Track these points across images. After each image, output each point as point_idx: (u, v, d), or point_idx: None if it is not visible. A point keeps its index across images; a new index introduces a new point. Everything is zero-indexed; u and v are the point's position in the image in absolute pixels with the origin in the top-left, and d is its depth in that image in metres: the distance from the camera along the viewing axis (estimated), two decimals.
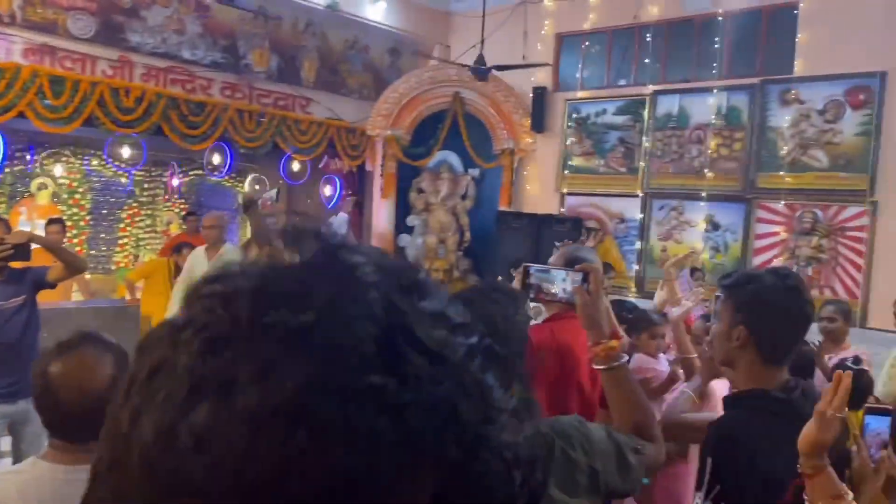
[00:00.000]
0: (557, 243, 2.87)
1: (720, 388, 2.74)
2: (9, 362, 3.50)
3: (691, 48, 7.08)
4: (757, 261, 6.50)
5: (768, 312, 1.65)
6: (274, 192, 3.55)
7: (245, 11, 7.54)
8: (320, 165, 8.78)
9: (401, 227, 8.36)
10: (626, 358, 1.59)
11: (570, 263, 2.66)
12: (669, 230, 7.13)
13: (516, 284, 1.74)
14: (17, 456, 3.63)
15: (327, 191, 9.02)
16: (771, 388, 1.63)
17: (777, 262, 6.34)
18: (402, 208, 8.34)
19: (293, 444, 0.31)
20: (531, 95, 7.90)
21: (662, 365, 3.09)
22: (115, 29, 6.73)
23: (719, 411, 2.67)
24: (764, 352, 1.65)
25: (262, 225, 3.05)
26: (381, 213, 8.36)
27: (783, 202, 6.39)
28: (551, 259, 2.72)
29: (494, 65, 6.77)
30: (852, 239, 6.02)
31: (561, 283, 1.68)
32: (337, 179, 8.94)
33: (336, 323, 0.34)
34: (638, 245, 7.26)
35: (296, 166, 8.45)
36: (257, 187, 9.68)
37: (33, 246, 3.70)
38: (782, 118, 6.42)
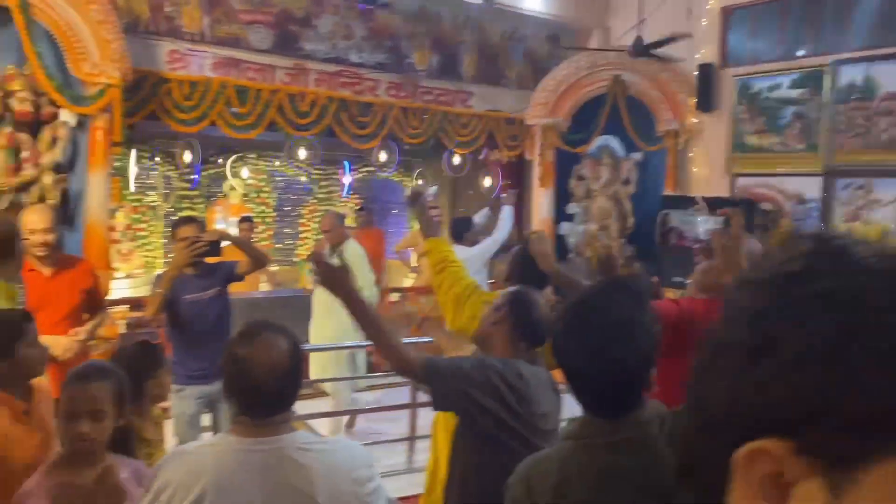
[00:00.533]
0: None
1: None
2: (206, 347, 3.92)
3: (875, 11, 6.45)
4: None
5: None
6: (434, 188, 3.74)
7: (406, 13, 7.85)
8: (480, 157, 8.96)
9: (561, 215, 8.34)
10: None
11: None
12: (856, 210, 6.57)
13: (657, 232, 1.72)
14: (217, 430, 4.08)
15: (487, 182, 9.19)
16: None
17: None
18: (562, 196, 8.31)
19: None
20: (696, 73, 7.57)
21: None
22: (291, 38, 7.26)
23: None
24: None
25: (426, 217, 3.20)
26: (541, 202, 8.38)
27: None
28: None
29: (647, 43, 6.56)
30: None
31: (703, 226, 1.64)
32: (497, 169, 9.07)
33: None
34: (820, 227, 6.76)
35: (456, 159, 8.68)
36: (422, 182, 10.05)
37: (224, 243, 4.13)
38: None
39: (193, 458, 1.60)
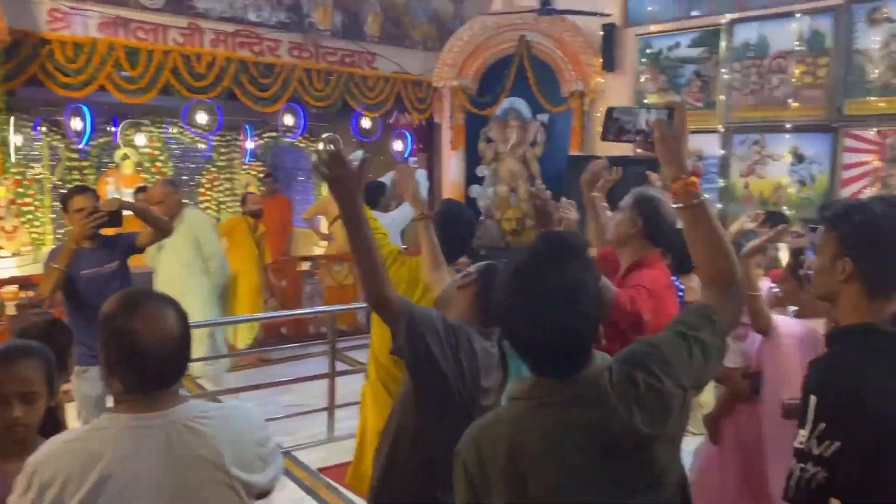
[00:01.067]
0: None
1: (782, 323, 2.66)
2: None
3: None
4: (845, 192, 6.20)
5: (878, 243, 1.56)
6: (359, 153, 3.57)
7: None
8: (390, 121, 8.81)
9: (471, 177, 8.34)
10: (707, 196, 1.54)
11: (640, 202, 2.62)
12: (752, 165, 6.86)
13: (599, 130, 1.67)
14: None
15: (398, 146, 9.06)
16: (878, 322, 1.55)
17: (868, 193, 6.03)
18: (472, 159, 8.30)
19: None
20: (600, 33, 7.66)
21: None
22: None
23: (782, 349, 2.60)
24: (871, 285, 1.57)
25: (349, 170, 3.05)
26: (452, 165, 8.35)
27: (873, 129, 6.04)
28: (622, 203, 2.68)
29: (559, 8, 6.59)
30: None
31: (644, 118, 1.61)
32: (408, 134, 8.96)
33: None
34: (720, 182, 7.03)
35: (366, 123, 8.51)
36: (330, 147, 9.79)
37: (124, 213, 3.88)
38: (871, 39, 6.02)
39: (80, 444, 1.46)
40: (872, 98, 6.03)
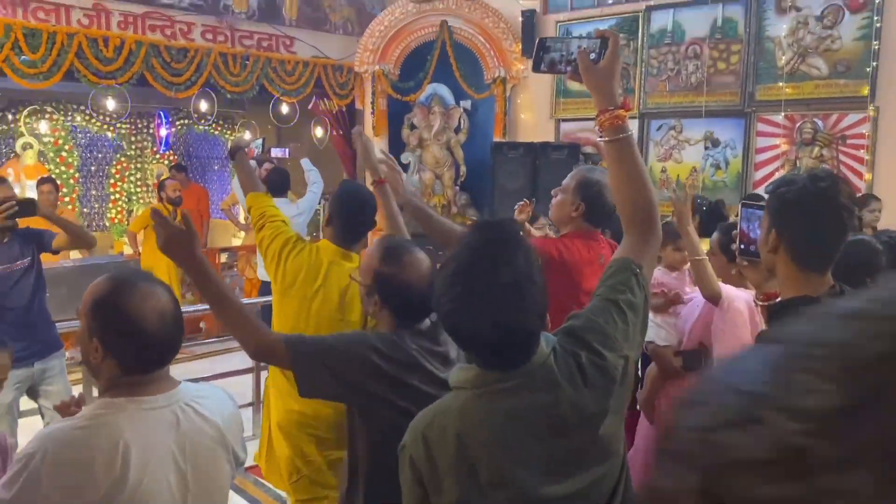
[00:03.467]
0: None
1: (734, 295, 2.72)
2: (20, 326, 3.45)
3: None
4: (758, 175, 6.44)
5: (794, 213, 1.61)
6: (260, 141, 3.49)
7: None
8: (309, 107, 8.62)
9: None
10: (632, 132, 1.53)
11: (583, 187, 2.61)
12: (668, 150, 7.04)
13: (532, 64, 1.61)
14: (44, 415, 3.64)
15: (318, 132, 8.88)
16: (814, 296, 1.58)
17: (778, 175, 6.28)
18: (396, 145, 8.21)
19: None
20: (521, 20, 7.69)
21: (677, 280, 3.07)
22: None
23: (736, 320, 2.66)
24: (795, 255, 1.62)
25: (246, 171, 2.97)
26: (375, 152, 8.22)
27: (783, 114, 6.29)
28: (564, 182, 2.67)
29: None
30: (853, 147, 5.95)
31: (576, 45, 1.58)
32: (327, 119, 8.78)
33: None
34: None
35: (284, 109, 8.29)
36: (247, 136, 9.51)
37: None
38: (779, 27, 6.25)
39: (94, 428, 1.43)
40: (781, 84, 6.27)
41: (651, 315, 2.90)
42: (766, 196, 1.75)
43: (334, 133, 8.79)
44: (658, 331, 2.96)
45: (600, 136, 1.54)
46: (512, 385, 1.35)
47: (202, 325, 7.16)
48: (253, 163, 3.10)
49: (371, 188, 2.65)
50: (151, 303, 1.49)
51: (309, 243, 2.78)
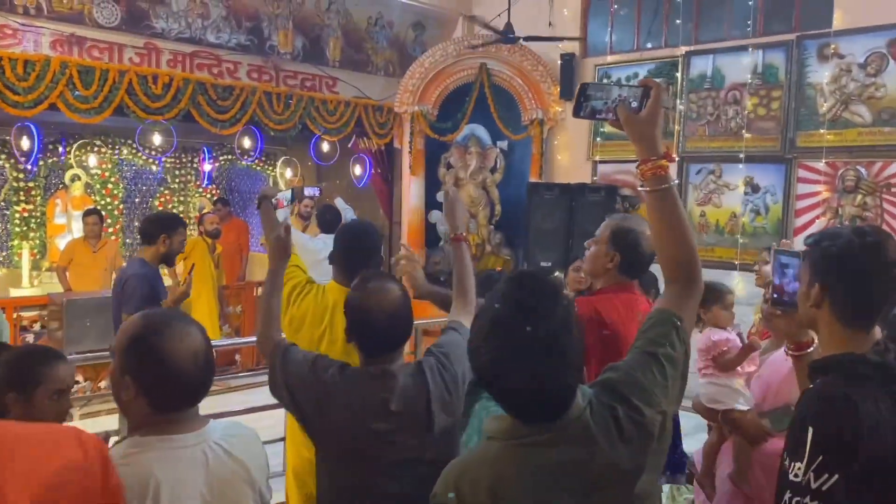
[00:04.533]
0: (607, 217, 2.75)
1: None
2: None
3: (724, 6, 6.88)
4: (798, 222, 6.34)
5: (841, 270, 1.55)
6: (289, 193, 3.49)
7: None
8: (349, 145, 8.76)
9: (431, 203, 8.31)
10: (676, 181, 1.51)
11: (617, 236, 2.58)
12: (708, 194, 6.99)
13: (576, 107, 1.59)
14: None
15: (357, 170, 9.01)
16: (860, 353, 1.52)
17: (819, 223, 6.18)
18: (432, 184, 8.28)
19: None
20: (559, 63, 7.76)
21: (733, 336, 2.94)
22: (140, 16, 6.74)
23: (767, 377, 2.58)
24: (840, 313, 1.56)
25: (270, 221, 3.00)
26: (412, 191, 8.32)
27: (824, 161, 6.21)
28: (598, 231, 2.64)
29: (522, 35, 6.65)
30: None
31: (616, 94, 1.56)
32: (366, 158, 8.91)
33: None
34: None
35: (325, 147, 8.44)
36: (279, 184, 9.69)
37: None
38: (821, 74, 6.21)
39: (126, 467, 1.43)
40: (823, 130, 6.20)
41: (716, 378, 2.80)
42: (805, 247, 1.71)
43: (373, 171, 8.91)
44: (731, 395, 2.80)
45: (641, 186, 1.54)
46: (546, 438, 1.33)
47: (237, 357, 7.22)
48: (282, 213, 3.15)
49: (448, 245, 2.69)
50: (185, 343, 1.50)
51: (317, 286, 2.80)
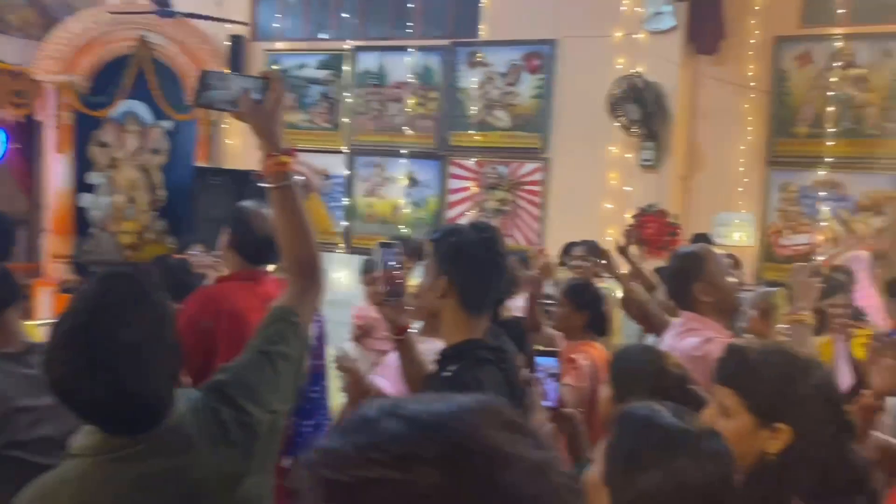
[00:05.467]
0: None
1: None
2: None
3: (388, 6, 7.19)
4: (451, 214, 6.91)
5: (464, 261, 1.72)
6: None
7: None
8: None
9: (81, 185, 7.48)
10: (296, 178, 1.52)
11: (233, 217, 2.55)
12: (374, 186, 7.28)
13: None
14: None
15: None
16: (479, 338, 1.73)
17: (468, 216, 6.79)
18: (83, 164, 7.46)
19: None
20: (227, 44, 7.47)
21: None
22: None
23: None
24: (464, 301, 1.73)
25: None
26: (56, 170, 7.38)
27: (473, 159, 6.84)
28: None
29: (183, 12, 6.27)
30: (529, 192, 6.65)
31: (239, 91, 1.53)
32: (2, 131, 7.70)
33: None
34: (345, 201, 7.31)
35: None
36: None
37: None
38: (470, 79, 6.82)
39: None
40: (472, 131, 6.82)
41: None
42: (429, 242, 1.83)
43: (10, 147, 7.74)
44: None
45: (263, 182, 1.51)
46: (138, 450, 1.24)
47: None
48: None
49: None
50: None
51: None
